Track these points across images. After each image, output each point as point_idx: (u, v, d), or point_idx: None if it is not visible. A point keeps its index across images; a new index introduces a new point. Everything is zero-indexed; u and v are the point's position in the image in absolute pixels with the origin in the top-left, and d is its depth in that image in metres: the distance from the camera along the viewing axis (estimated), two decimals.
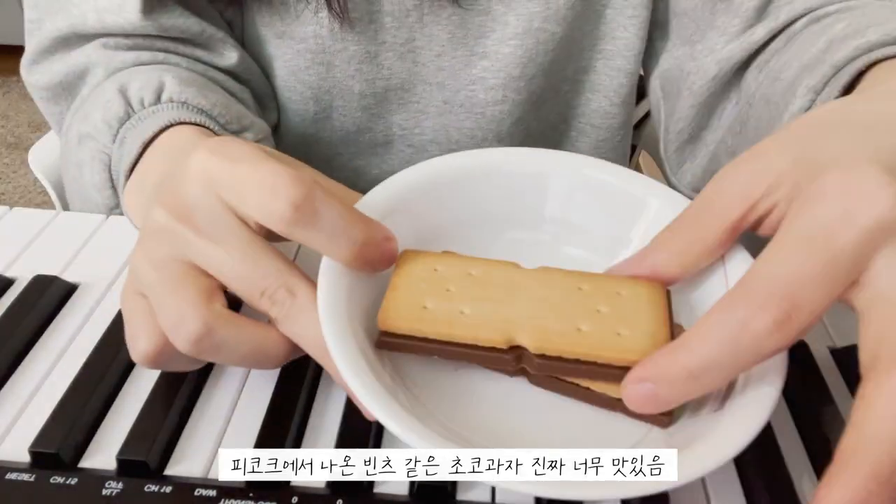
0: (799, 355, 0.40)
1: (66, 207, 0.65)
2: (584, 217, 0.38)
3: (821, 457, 0.35)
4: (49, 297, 0.40)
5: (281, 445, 0.33)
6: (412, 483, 0.32)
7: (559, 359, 0.30)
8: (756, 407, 0.28)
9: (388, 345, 0.31)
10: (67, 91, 0.50)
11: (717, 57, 0.51)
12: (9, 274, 0.43)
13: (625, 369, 0.29)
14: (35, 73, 0.50)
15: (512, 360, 0.31)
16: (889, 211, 0.25)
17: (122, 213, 0.44)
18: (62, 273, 0.43)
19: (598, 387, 0.31)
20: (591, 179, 0.38)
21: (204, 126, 0.42)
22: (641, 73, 0.59)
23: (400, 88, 0.56)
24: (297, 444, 0.34)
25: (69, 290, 0.42)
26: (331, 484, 0.32)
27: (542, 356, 0.30)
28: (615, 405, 0.31)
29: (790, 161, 0.29)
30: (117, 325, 0.39)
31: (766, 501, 0.32)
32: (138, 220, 0.39)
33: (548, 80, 0.56)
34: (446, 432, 0.29)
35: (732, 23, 0.50)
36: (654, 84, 0.59)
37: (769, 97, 0.46)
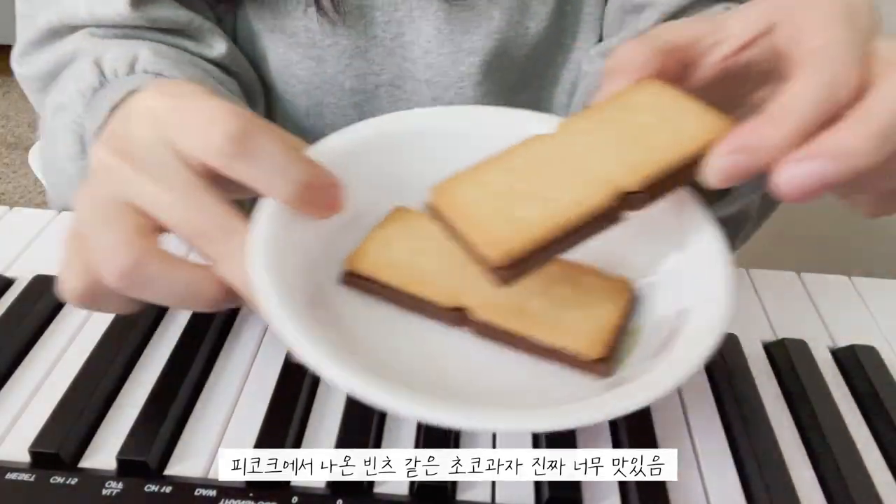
0: (799, 355, 0.40)
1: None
2: None
3: (821, 456, 0.35)
4: (49, 297, 0.40)
5: (281, 445, 0.33)
6: (412, 483, 0.32)
7: (498, 329, 0.31)
8: (692, 352, 0.28)
9: (351, 283, 0.33)
10: (55, 80, 0.49)
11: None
12: (9, 274, 0.43)
13: (573, 357, 0.30)
14: (24, 65, 0.51)
15: (456, 318, 0.32)
16: None
17: None
18: None
19: (539, 334, 0.31)
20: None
21: None
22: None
23: (390, 85, 0.56)
24: (297, 444, 0.34)
25: None
26: (331, 484, 0.32)
27: (484, 324, 0.31)
28: (553, 355, 0.31)
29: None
30: (117, 326, 0.39)
31: (766, 501, 0.32)
32: None
33: (522, 74, 0.56)
34: (374, 368, 0.28)
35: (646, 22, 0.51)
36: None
37: None
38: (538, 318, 0.31)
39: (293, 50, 0.53)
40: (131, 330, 0.38)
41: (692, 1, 0.49)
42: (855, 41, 0.28)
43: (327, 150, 0.34)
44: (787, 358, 0.40)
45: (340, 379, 0.26)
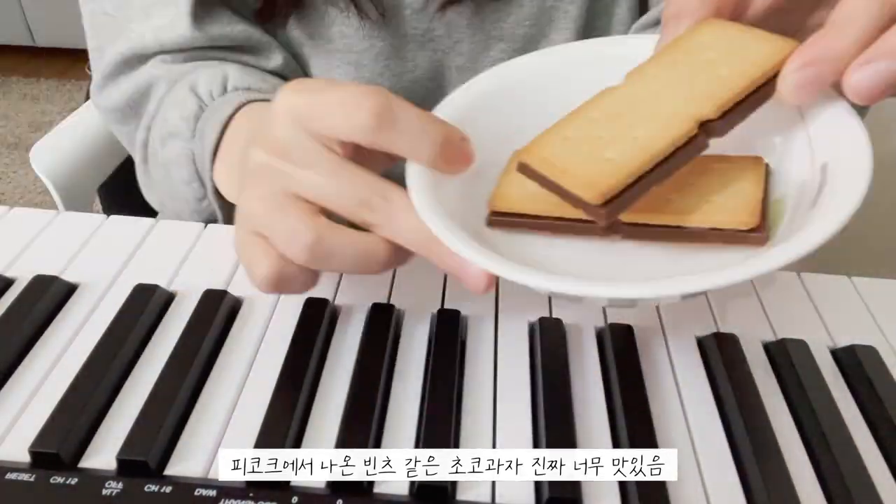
0: (799, 355, 0.40)
1: (67, 206, 0.66)
2: None
3: (821, 456, 0.35)
4: (49, 297, 0.41)
5: (281, 445, 0.33)
6: (412, 483, 0.32)
7: (649, 227, 0.32)
8: (846, 195, 0.28)
9: (498, 223, 0.35)
10: (134, 109, 0.52)
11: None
12: (9, 274, 0.43)
13: (723, 232, 0.31)
14: (103, 98, 0.53)
15: (606, 230, 0.32)
16: None
17: (211, 214, 0.48)
18: (62, 273, 0.43)
19: (691, 221, 0.31)
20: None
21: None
22: None
23: (425, 78, 0.57)
24: (297, 444, 0.34)
25: (69, 290, 0.42)
26: (331, 484, 0.32)
27: (633, 224, 0.32)
28: (709, 236, 0.31)
29: None
30: (117, 325, 0.39)
31: (766, 501, 0.32)
32: (233, 193, 0.42)
33: None
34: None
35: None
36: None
37: None
38: (685, 208, 0.31)
39: (332, 56, 0.55)
40: (131, 330, 0.39)
41: None
42: None
43: (449, 109, 0.37)
44: (787, 358, 0.40)
45: (545, 282, 0.29)
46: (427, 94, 0.58)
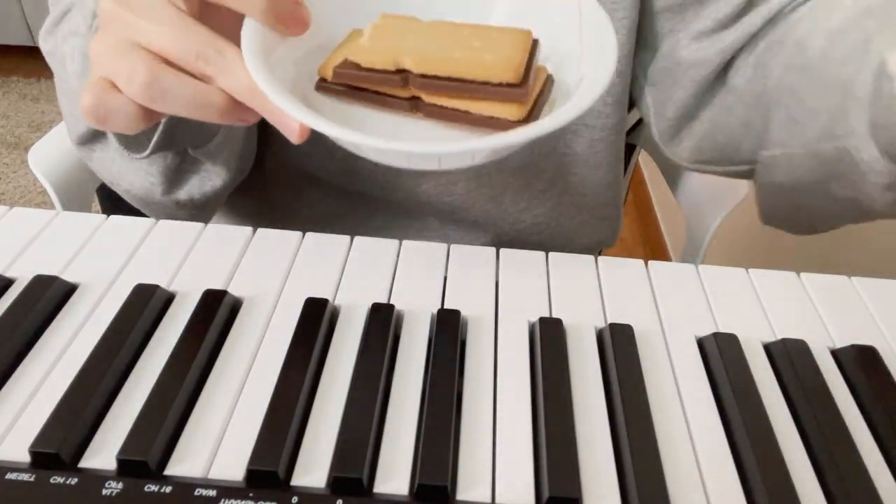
0: (799, 355, 0.40)
1: (66, 207, 0.65)
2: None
3: (821, 456, 0.35)
4: (49, 297, 0.41)
5: (281, 445, 0.33)
6: (412, 483, 0.32)
7: (435, 77, 0.36)
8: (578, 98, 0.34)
9: (324, 88, 0.39)
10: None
11: (720, 46, 0.53)
12: (9, 274, 0.43)
13: (489, 85, 0.35)
14: (48, 43, 0.53)
15: (399, 80, 0.37)
16: None
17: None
18: (62, 273, 0.43)
19: (475, 108, 0.36)
20: None
21: None
22: None
23: None
24: (297, 443, 0.34)
25: (69, 290, 0.42)
26: (331, 484, 0.32)
27: (422, 76, 0.36)
28: (488, 123, 0.36)
29: None
30: (117, 325, 0.39)
31: (766, 501, 0.32)
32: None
33: None
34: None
35: (723, 11, 0.52)
36: (635, 73, 0.60)
37: (800, 65, 0.48)
38: (465, 62, 0.36)
39: None
40: (131, 330, 0.39)
41: None
42: None
43: None
44: (787, 358, 0.40)
45: (338, 132, 0.32)
46: None
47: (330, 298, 0.42)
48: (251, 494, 0.31)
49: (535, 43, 0.38)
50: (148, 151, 0.46)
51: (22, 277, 0.43)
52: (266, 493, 0.31)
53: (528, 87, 0.36)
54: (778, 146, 0.51)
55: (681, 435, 0.36)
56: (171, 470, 0.33)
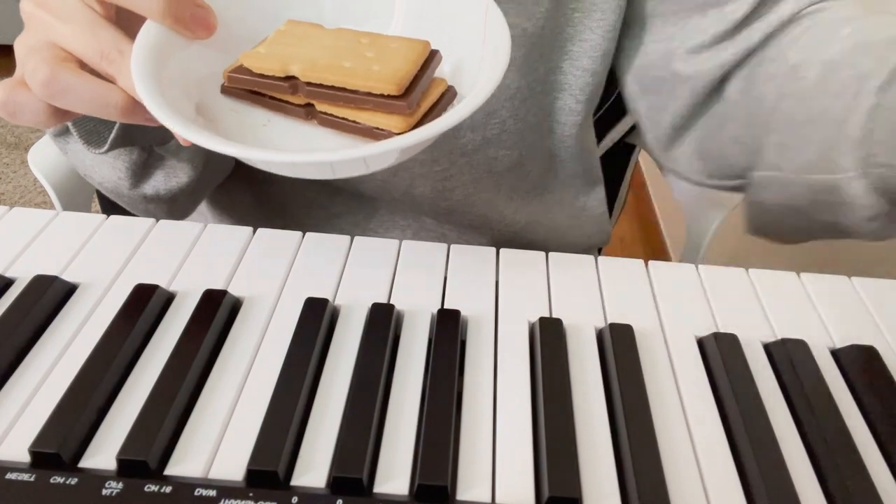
0: (799, 355, 0.40)
1: (66, 207, 0.65)
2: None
3: (821, 456, 0.35)
4: (49, 297, 0.40)
5: (281, 445, 0.33)
6: (412, 483, 0.32)
7: (321, 86, 0.36)
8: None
9: (228, 91, 0.39)
10: None
11: (718, 61, 0.53)
12: (9, 274, 0.43)
13: (372, 96, 0.35)
14: None
15: (288, 87, 0.37)
16: None
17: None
18: (62, 273, 0.43)
19: (363, 119, 0.36)
20: None
21: None
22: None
23: None
24: (297, 444, 0.34)
25: (69, 290, 0.42)
26: (331, 484, 0.32)
27: (310, 84, 0.36)
28: (374, 134, 0.36)
29: None
30: (117, 325, 0.39)
31: (766, 501, 0.32)
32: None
33: (524, 78, 0.56)
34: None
35: (720, 25, 0.52)
36: (628, 80, 0.60)
37: (794, 93, 0.49)
38: (352, 71, 0.36)
39: None
40: (131, 330, 0.39)
41: None
42: None
43: None
44: (787, 358, 0.40)
45: (210, 143, 0.32)
46: None
47: (330, 298, 0.42)
48: (251, 494, 0.31)
49: (432, 54, 0.38)
50: (106, 147, 0.47)
51: (22, 277, 0.43)
52: (266, 493, 0.31)
53: (411, 99, 0.36)
54: (770, 168, 0.51)
55: (681, 435, 0.36)
56: (171, 470, 0.33)
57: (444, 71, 0.39)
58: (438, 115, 0.37)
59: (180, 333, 0.39)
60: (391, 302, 0.42)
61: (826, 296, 0.45)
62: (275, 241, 0.47)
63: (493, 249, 0.47)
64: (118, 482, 0.32)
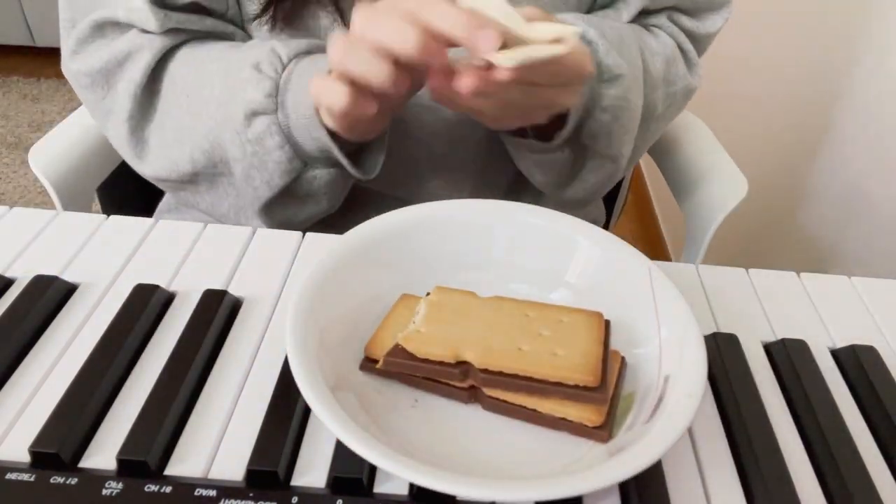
0: (799, 355, 0.40)
1: (66, 207, 0.65)
2: (525, 257, 0.42)
3: (821, 456, 0.35)
4: (49, 297, 0.40)
5: (281, 445, 0.33)
6: (412, 483, 0.32)
7: (500, 374, 0.33)
8: (679, 416, 0.31)
9: (368, 368, 0.36)
10: (105, 78, 0.52)
11: None
12: (9, 274, 0.43)
13: (563, 386, 0.32)
14: (76, 62, 0.53)
15: (459, 374, 0.34)
16: None
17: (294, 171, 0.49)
18: (62, 273, 0.43)
19: (544, 407, 0.33)
20: (528, 225, 0.42)
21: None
22: None
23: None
24: (297, 443, 0.34)
25: (69, 290, 0.42)
26: (331, 484, 0.32)
27: (485, 371, 0.33)
28: (559, 424, 0.33)
29: None
30: (117, 325, 0.39)
31: (766, 501, 0.32)
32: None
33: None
34: (399, 449, 0.30)
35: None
36: None
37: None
38: (534, 360, 0.33)
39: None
40: (131, 330, 0.38)
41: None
42: None
43: (353, 236, 0.40)
44: (787, 358, 0.40)
45: (362, 449, 0.29)
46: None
47: None
48: (251, 494, 0.31)
49: (607, 325, 0.36)
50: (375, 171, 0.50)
51: (22, 277, 0.43)
52: (266, 493, 0.31)
53: (608, 388, 0.33)
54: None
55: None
56: (171, 470, 0.33)
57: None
58: (620, 395, 0.35)
59: (180, 333, 0.39)
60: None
61: (826, 296, 0.45)
62: (275, 241, 0.47)
63: None
64: (118, 482, 0.32)
